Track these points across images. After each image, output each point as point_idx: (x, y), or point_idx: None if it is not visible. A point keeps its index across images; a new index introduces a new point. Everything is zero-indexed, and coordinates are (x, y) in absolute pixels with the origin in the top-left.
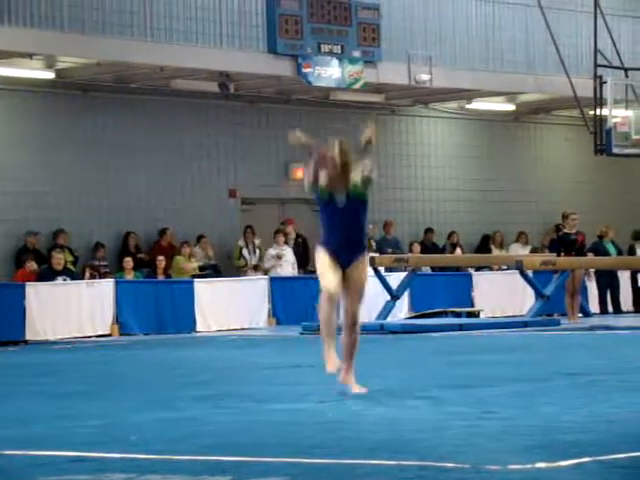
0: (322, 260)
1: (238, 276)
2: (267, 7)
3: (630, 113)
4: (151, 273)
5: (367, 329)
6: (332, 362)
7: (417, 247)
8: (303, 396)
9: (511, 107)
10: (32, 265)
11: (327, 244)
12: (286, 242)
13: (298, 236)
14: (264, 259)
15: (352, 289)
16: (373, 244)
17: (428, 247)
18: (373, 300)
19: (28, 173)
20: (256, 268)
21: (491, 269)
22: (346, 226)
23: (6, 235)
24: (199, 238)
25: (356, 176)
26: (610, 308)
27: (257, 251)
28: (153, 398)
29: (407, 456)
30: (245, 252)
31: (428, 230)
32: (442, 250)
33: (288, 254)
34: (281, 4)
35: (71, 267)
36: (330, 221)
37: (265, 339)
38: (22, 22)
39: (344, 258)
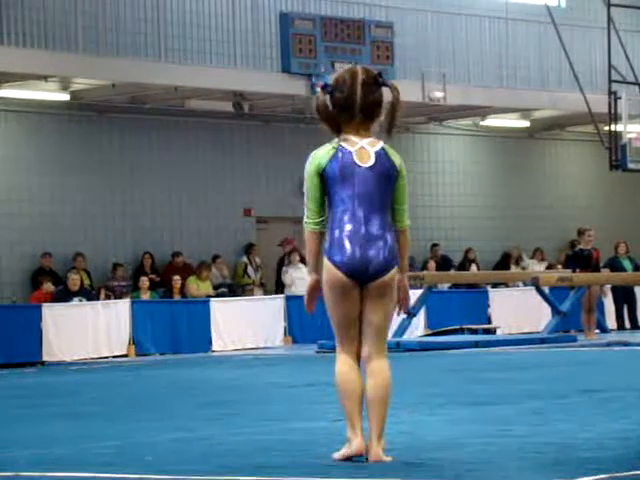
0: (331, 301)
1: (243, 295)
2: (281, 27)
3: None
4: (167, 293)
5: None
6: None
7: (432, 264)
8: (319, 415)
9: (525, 123)
10: (49, 287)
11: (337, 254)
12: (302, 260)
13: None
14: (282, 276)
15: (367, 328)
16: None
17: (441, 263)
18: None
19: (44, 194)
20: (262, 285)
21: (507, 286)
22: (369, 204)
23: (22, 257)
24: (214, 258)
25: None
26: (627, 324)
27: (259, 269)
28: (169, 418)
29: (423, 474)
30: (250, 270)
31: (434, 245)
32: (459, 266)
33: (304, 272)
34: (295, 23)
35: (88, 288)
36: (345, 195)
37: (281, 358)
38: (37, 44)
39: (364, 268)
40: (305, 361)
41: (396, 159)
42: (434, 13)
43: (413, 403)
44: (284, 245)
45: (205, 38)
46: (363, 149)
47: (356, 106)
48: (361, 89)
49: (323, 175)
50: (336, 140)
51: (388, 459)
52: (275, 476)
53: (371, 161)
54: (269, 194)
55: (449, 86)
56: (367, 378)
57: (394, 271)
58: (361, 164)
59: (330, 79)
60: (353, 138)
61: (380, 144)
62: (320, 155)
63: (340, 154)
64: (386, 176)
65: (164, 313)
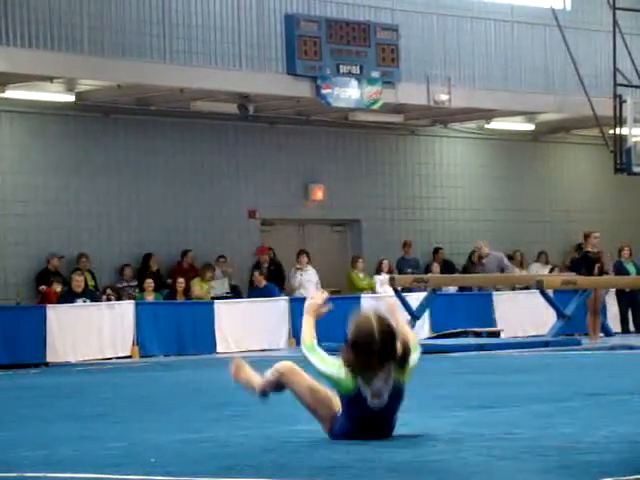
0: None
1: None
2: (286, 29)
3: None
4: (171, 294)
5: None
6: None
7: (437, 267)
8: None
9: (530, 127)
10: (44, 287)
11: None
12: (309, 262)
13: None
14: (291, 279)
15: None
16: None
17: (444, 267)
18: None
19: (48, 195)
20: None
21: (514, 289)
22: (378, 430)
23: (28, 257)
24: (218, 259)
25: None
26: (632, 327)
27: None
28: (173, 419)
29: (427, 477)
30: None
31: (438, 249)
32: (464, 269)
33: (312, 275)
34: (300, 26)
35: (92, 289)
36: (355, 421)
37: (285, 360)
38: (42, 45)
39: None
40: (309, 363)
41: (405, 376)
42: (440, 16)
43: (416, 406)
44: (258, 253)
45: (210, 40)
46: (378, 391)
47: (374, 356)
48: (379, 338)
49: (339, 394)
50: (358, 378)
51: None
52: (280, 477)
53: (384, 400)
54: (274, 196)
55: (454, 89)
56: None
57: None
58: (375, 404)
59: (349, 329)
60: (370, 375)
61: (392, 379)
62: (342, 381)
63: (355, 395)
64: (397, 398)
65: (168, 314)
